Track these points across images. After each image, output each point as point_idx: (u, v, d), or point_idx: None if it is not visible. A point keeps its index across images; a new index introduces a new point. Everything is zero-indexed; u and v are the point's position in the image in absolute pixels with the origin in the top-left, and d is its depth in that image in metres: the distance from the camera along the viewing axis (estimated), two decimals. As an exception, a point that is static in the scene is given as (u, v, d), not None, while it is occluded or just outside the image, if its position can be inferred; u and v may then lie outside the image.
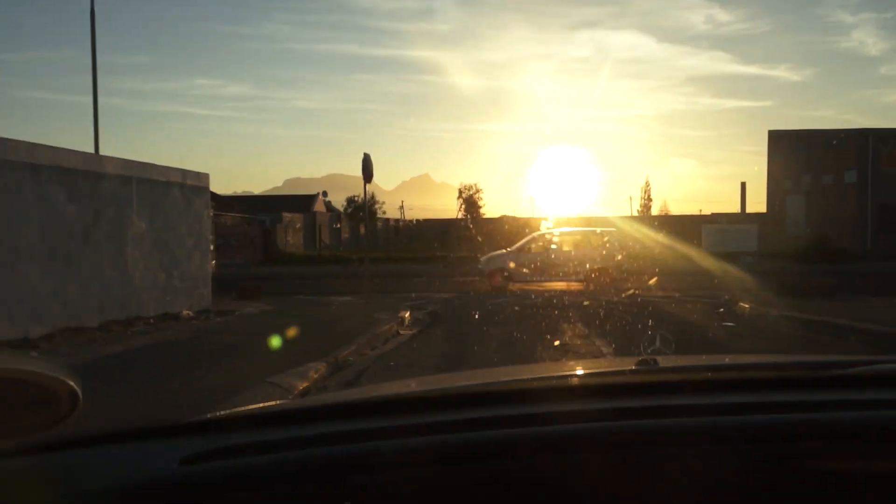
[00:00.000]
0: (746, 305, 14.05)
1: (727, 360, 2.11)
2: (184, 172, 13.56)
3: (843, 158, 35.15)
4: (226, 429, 1.30)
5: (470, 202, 52.69)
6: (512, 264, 19.63)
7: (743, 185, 35.86)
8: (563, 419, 1.15)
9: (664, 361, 1.70)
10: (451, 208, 33.86)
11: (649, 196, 66.31)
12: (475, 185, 53.54)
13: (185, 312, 12.71)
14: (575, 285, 19.77)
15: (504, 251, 20.38)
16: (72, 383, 1.08)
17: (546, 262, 19.67)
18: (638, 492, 1.06)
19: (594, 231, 21.11)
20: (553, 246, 20.19)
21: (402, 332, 11.39)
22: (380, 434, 1.17)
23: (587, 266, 19.48)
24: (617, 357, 7.89)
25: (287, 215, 39.88)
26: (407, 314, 12.86)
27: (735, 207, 37.64)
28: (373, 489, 1.07)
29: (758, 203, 46.06)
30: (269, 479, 1.07)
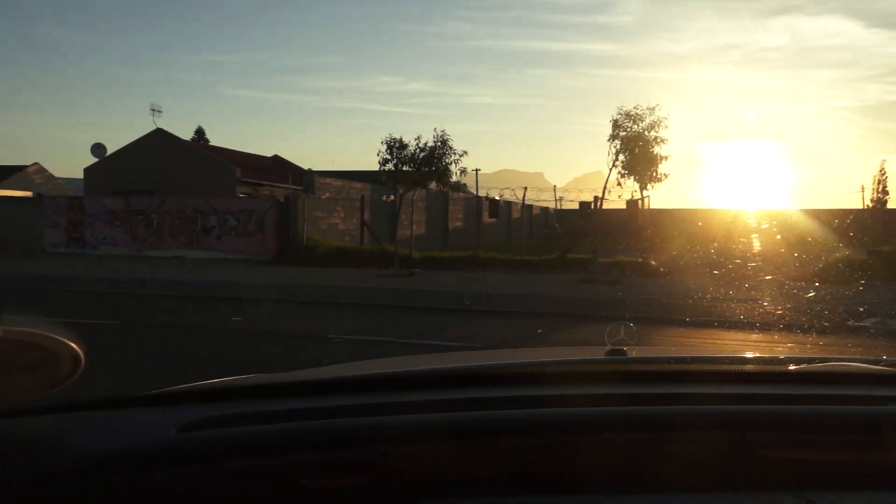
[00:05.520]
0: None
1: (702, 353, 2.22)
2: None
3: None
4: (225, 398, 1.32)
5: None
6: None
7: None
8: (579, 402, 1.23)
9: (637, 352, 1.75)
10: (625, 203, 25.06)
11: (885, 186, 50.36)
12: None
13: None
14: None
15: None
16: (74, 346, 1.08)
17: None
18: (642, 471, 1.13)
19: None
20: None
21: None
22: (386, 409, 1.21)
23: None
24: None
25: (327, 181, 25.48)
26: None
27: None
28: (379, 462, 1.08)
29: None
30: (267, 447, 1.10)
